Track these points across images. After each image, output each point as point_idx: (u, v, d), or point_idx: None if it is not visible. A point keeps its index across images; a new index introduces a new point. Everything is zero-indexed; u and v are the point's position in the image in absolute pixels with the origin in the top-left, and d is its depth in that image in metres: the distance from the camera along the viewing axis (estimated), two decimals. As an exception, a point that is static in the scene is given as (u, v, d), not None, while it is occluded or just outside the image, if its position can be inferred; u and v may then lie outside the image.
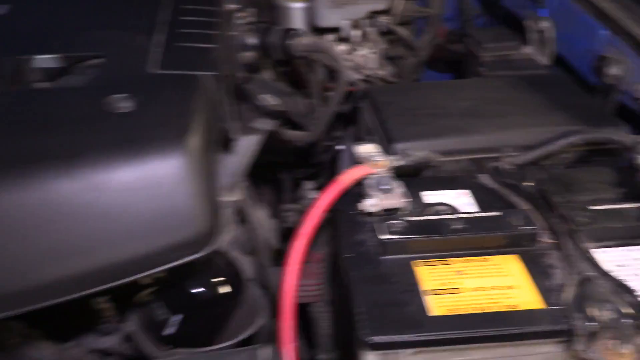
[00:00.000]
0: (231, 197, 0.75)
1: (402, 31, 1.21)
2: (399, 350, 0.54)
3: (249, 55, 0.96)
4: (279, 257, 1.06)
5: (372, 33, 1.21)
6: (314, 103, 1.00)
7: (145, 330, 0.80)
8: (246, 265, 0.86)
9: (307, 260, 0.90)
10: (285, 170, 1.20)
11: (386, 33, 1.25)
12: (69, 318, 0.88)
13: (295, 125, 1.07)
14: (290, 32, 0.91)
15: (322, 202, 0.65)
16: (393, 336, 0.53)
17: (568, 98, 0.87)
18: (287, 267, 0.64)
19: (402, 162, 0.70)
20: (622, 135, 0.73)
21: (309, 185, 0.99)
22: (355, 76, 1.16)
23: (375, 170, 0.67)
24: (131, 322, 0.82)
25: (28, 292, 0.58)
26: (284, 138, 1.02)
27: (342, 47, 1.19)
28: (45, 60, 0.74)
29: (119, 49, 0.74)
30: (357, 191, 0.68)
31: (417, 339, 0.53)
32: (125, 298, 0.87)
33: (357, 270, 0.59)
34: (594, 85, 0.97)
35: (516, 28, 1.20)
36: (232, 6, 0.93)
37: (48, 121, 0.62)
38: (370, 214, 0.65)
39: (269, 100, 0.79)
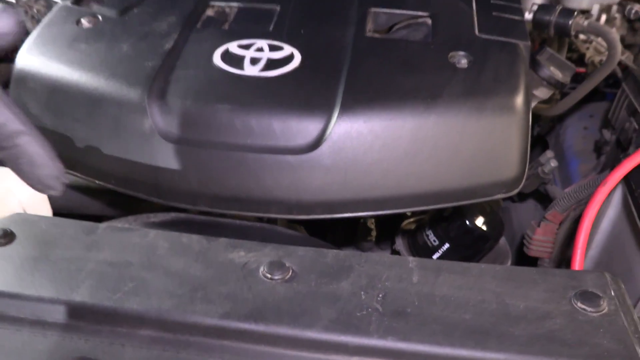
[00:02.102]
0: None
1: (654, 21, 1.23)
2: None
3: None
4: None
5: (618, 19, 1.25)
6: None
7: (412, 251, 0.96)
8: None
9: (549, 219, 1.01)
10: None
11: (630, 20, 1.28)
12: (342, 227, 1.07)
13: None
14: (568, 12, 0.99)
15: (625, 166, 0.75)
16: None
17: None
18: (592, 202, 0.73)
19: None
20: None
21: (549, 154, 1.08)
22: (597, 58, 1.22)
23: (672, 148, 0.76)
24: (399, 241, 0.98)
25: (379, 200, 0.74)
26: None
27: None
28: (383, 14, 0.89)
29: (443, 11, 0.88)
30: None
31: None
32: (390, 224, 1.04)
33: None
34: None
35: None
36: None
37: (408, 66, 0.77)
38: (666, 184, 0.74)
39: (557, 73, 0.89)
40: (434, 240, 0.93)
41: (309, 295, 0.54)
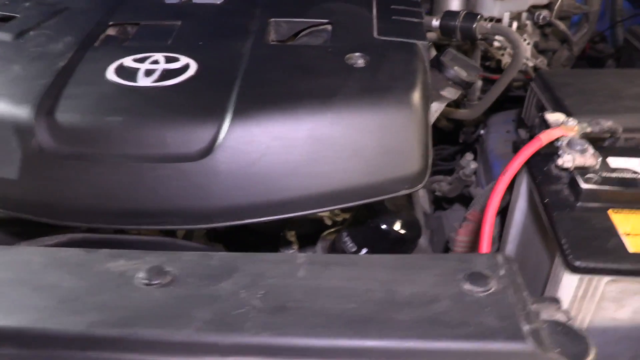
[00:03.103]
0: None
1: (561, 25, 1.28)
2: (599, 277, 0.63)
3: (430, 35, 1.08)
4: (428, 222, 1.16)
5: (529, 25, 1.30)
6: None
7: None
8: (420, 217, 0.98)
9: (470, 219, 1.00)
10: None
11: (541, 26, 1.33)
12: (263, 243, 1.04)
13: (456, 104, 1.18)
14: (472, 16, 1.02)
15: (524, 154, 0.75)
16: (596, 263, 0.63)
17: None
18: (495, 191, 0.72)
19: (591, 129, 0.78)
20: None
21: (469, 156, 1.09)
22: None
23: (568, 133, 0.77)
24: (319, 248, 0.96)
25: (282, 203, 0.73)
26: (450, 115, 1.13)
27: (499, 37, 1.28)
28: (284, 23, 0.89)
29: (343, 17, 0.88)
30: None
31: (618, 267, 0.62)
32: (310, 235, 1.02)
33: (558, 211, 0.69)
34: None
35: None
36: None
37: (304, 69, 0.77)
38: (564, 169, 0.74)
39: (461, 73, 0.90)
40: (352, 247, 0.91)
41: (186, 299, 0.51)
